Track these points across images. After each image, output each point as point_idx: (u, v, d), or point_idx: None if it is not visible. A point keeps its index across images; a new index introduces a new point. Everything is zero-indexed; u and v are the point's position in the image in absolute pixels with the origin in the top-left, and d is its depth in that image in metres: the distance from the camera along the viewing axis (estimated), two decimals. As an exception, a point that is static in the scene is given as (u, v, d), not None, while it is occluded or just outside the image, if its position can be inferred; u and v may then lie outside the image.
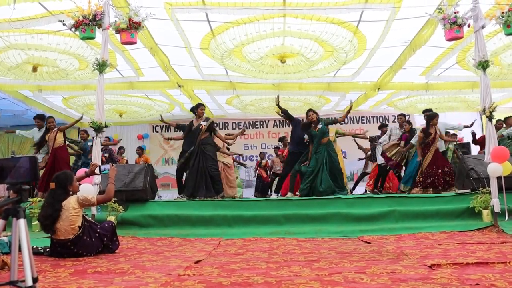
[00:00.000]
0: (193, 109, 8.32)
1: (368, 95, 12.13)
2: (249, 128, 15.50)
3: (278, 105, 8.69)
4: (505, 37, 7.40)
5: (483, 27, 6.05)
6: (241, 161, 13.26)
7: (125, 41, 6.35)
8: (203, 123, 7.98)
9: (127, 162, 12.21)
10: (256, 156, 14.38)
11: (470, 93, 11.61)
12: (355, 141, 11.38)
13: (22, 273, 2.11)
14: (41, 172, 8.56)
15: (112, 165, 4.73)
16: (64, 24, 6.37)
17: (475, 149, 11.26)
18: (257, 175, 12.91)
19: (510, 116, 9.54)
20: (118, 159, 11.50)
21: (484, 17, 6.09)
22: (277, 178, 11.94)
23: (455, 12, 6.07)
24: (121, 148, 12.46)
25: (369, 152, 11.10)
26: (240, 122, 15.54)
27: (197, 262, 3.73)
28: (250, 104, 13.21)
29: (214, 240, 5.34)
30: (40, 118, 8.81)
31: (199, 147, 7.86)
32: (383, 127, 10.18)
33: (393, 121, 14.45)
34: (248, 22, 7.48)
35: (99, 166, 4.93)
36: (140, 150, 12.74)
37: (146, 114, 14.05)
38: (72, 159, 9.91)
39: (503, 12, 5.92)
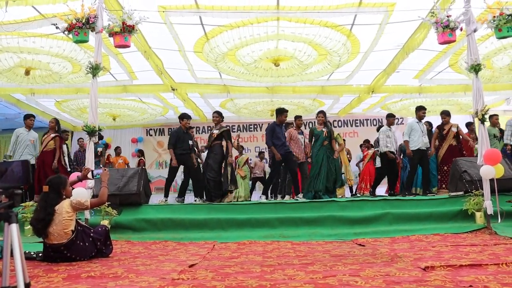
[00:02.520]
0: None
1: (361, 98, 12.17)
2: (243, 131, 15.51)
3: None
4: (497, 40, 7.45)
5: (475, 30, 6.10)
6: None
7: (118, 45, 6.32)
8: (214, 132, 8.38)
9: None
10: (250, 159, 14.36)
11: (463, 96, 11.69)
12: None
13: (14, 278, 2.09)
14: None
15: (105, 169, 4.72)
16: (57, 27, 6.33)
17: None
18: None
19: (495, 115, 9.66)
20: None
21: (476, 21, 6.14)
22: (257, 181, 12.07)
23: (447, 16, 6.11)
24: (117, 147, 12.54)
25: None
26: (234, 125, 15.54)
27: (191, 266, 3.72)
28: (244, 107, 13.21)
29: (208, 244, 5.33)
30: (33, 117, 8.82)
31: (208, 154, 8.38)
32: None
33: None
34: (241, 26, 7.48)
35: (92, 171, 4.90)
36: (139, 153, 12.93)
37: (140, 117, 14.01)
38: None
39: (494, 16, 5.97)
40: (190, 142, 8.44)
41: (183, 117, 8.55)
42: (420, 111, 8.69)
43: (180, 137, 8.30)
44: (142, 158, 13.16)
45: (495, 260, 3.43)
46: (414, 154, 8.46)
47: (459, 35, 6.54)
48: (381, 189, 10.40)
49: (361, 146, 12.38)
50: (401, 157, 10.24)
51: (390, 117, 9.47)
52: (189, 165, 8.34)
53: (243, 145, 13.32)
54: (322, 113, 8.75)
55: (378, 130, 10.25)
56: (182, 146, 8.24)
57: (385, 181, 9.69)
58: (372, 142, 11.42)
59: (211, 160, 8.25)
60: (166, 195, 8.40)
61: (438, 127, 9.05)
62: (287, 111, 8.70)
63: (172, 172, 8.40)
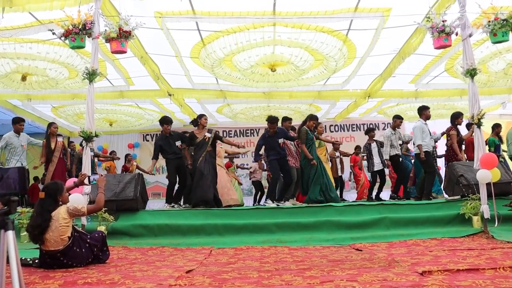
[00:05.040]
0: (195, 121, 8.26)
1: (358, 103, 12.20)
2: (240, 136, 15.51)
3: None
4: (492, 45, 7.49)
5: (470, 35, 6.12)
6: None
7: (115, 50, 6.33)
8: (207, 134, 8.02)
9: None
10: (247, 164, 14.36)
11: (459, 100, 11.75)
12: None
13: (10, 285, 2.08)
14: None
15: (101, 175, 4.71)
16: (53, 33, 6.34)
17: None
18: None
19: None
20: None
21: (471, 25, 6.17)
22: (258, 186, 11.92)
23: (443, 21, 6.15)
24: (112, 152, 12.46)
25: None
26: (231, 131, 15.55)
27: (188, 271, 3.71)
28: (241, 112, 13.22)
29: (205, 249, 5.31)
30: (23, 121, 8.43)
31: (207, 159, 7.93)
32: (370, 131, 9.63)
33: (383, 129, 14.52)
34: (238, 31, 7.50)
35: (88, 177, 4.89)
36: (130, 157, 12.85)
37: (136, 123, 14.01)
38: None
39: (489, 21, 6.01)
40: (178, 143, 8.08)
41: (163, 122, 8.15)
42: (427, 110, 8.08)
43: (163, 145, 8.03)
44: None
45: (492, 264, 3.43)
46: (428, 156, 7.84)
47: (454, 39, 6.58)
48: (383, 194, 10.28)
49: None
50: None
51: (398, 119, 8.87)
52: (182, 171, 8.10)
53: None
54: (317, 119, 8.63)
55: (367, 133, 9.87)
56: (171, 151, 8.02)
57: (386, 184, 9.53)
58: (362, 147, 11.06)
59: (211, 165, 7.97)
60: (169, 201, 8.06)
61: (454, 130, 8.41)
62: (276, 121, 8.13)
63: (173, 172, 8.04)
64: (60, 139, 8.38)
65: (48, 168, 8.11)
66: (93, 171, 9.79)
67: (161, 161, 14.84)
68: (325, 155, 9.20)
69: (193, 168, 7.94)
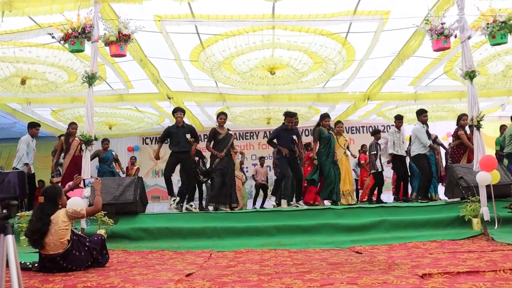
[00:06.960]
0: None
1: (357, 106, 12.22)
2: (239, 139, 15.51)
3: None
4: (491, 47, 7.51)
5: (469, 37, 6.13)
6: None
7: (114, 54, 6.34)
8: (230, 132, 8.20)
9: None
10: (247, 167, 14.37)
11: (458, 102, 11.76)
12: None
13: (10, 289, 2.08)
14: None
15: (97, 178, 4.71)
16: (53, 37, 6.36)
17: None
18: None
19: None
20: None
21: (470, 28, 6.18)
22: (261, 188, 11.86)
23: (441, 23, 6.17)
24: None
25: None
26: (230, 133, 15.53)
27: (188, 275, 3.70)
28: (240, 115, 13.23)
29: (205, 253, 5.30)
30: (39, 126, 8.84)
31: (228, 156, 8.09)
32: (376, 133, 9.62)
33: (383, 131, 14.52)
34: (237, 34, 7.52)
35: (83, 180, 4.88)
36: (133, 160, 12.89)
37: (136, 126, 14.02)
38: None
39: (488, 23, 6.03)
40: (188, 136, 7.70)
41: (177, 109, 7.92)
42: (422, 115, 8.25)
43: (172, 132, 7.74)
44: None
45: (492, 266, 3.43)
46: (423, 158, 8.00)
47: (453, 42, 6.60)
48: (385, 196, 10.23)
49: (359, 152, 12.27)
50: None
51: (397, 119, 8.90)
52: (187, 166, 7.81)
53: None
54: (329, 117, 8.47)
55: (373, 134, 9.96)
56: (177, 143, 7.68)
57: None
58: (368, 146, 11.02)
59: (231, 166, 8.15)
60: (171, 193, 7.80)
61: (462, 130, 8.31)
62: (293, 115, 8.09)
63: (169, 166, 7.75)
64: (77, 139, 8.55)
65: (63, 164, 8.46)
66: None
67: (161, 165, 14.96)
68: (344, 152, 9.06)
69: (212, 163, 7.98)
